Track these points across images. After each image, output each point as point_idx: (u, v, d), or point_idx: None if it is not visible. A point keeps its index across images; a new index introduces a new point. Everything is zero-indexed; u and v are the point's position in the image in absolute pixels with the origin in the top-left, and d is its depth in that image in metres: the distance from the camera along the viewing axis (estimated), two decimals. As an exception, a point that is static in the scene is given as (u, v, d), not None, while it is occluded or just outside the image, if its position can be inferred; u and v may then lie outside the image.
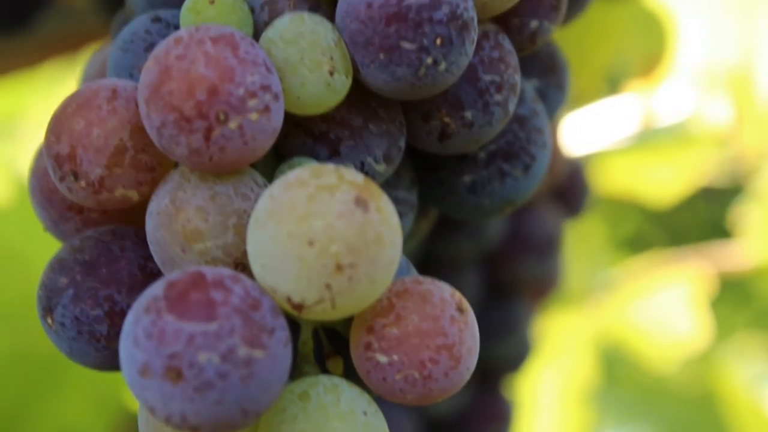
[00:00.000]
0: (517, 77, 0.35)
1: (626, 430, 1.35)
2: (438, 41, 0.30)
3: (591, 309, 1.96)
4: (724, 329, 1.72)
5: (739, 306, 1.87)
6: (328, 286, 0.27)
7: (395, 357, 0.29)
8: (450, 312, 0.30)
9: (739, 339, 1.63)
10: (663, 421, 1.33)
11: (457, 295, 0.31)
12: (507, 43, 0.35)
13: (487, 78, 0.34)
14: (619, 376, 1.55)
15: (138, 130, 0.30)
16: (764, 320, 1.71)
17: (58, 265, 0.32)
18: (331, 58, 0.30)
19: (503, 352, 0.61)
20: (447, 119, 0.34)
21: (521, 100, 0.37)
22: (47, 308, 0.31)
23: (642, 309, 1.87)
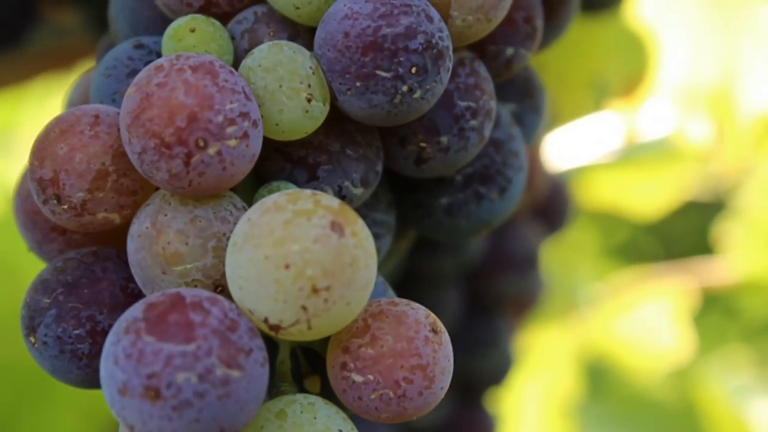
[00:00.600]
0: (493, 103, 0.36)
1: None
2: (413, 70, 0.31)
3: (575, 322, 1.97)
4: (706, 343, 1.73)
5: (721, 320, 1.89)
6: (304, 308, 0.28)
7: (370, 377, 0.30)
8: (424, 333, 0.31)
9: (722, 353, 1.65)
10: (646, 426, 1.34)
11: (432, 316, 0.32)
12: (483, 70, 0.36)
13: (463, 104, 0.35)
14: (602, 388, 1.56)
15: (120, 155, 0.31)
16: (746, 334, 1.73)
17: (41, 286, 0.33)
18: (309, 86, 0.31)
19: (485, 366, 0.61)
20: (423, 144, 0.35)
21: (497, 124, 0.38)
22: (30, 327, 0.32)
23: (625, 322, 1.88)
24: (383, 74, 0.30)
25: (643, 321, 1.80)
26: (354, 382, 0.31)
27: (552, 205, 0.66)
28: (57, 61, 0.69)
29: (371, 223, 0.31)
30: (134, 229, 0.31)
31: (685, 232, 3.07)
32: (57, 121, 0.31)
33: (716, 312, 1.91)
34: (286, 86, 0.31)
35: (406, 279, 0.52)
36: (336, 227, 0.28)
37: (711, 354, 1.63)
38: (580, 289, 2.19)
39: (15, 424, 0.95)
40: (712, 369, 1.54)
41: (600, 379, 1.61)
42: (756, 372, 1.51)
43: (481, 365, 0.63)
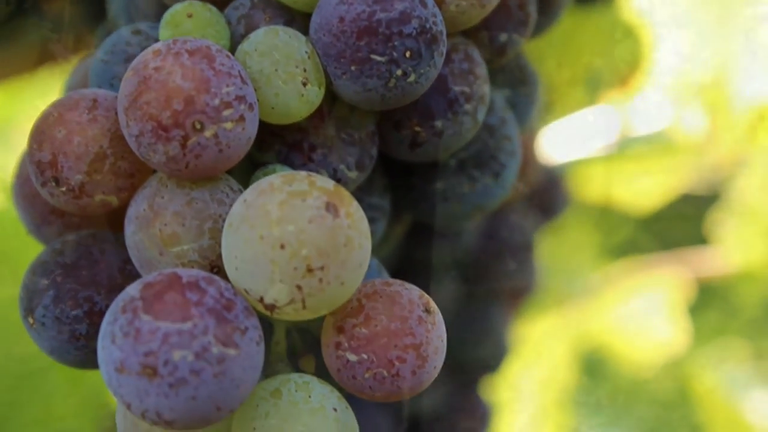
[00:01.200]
0: (486, 88, 0.36)
1: (608, 421, 1.37)
2: (407, 54, 0.31)
3: (571, 313, 1.97)
4: (701, 334, 1.74)
5: (717, 311, 1.90)
6: (299, 288, 0.28)
7: (364, 356, 0.31)
8: (418, 313, 0.32)
9: (717, 344, 1.65)
10: (641, 424, 1.34)
11: (425, 296, 0.33)
12: (476, 56, 0.37)
13: (457, 89, 0.35)
14: (597, 379, 1.56)
15: (117, 138, 0.31)
16: (741, 325, 1.73)
17: (40, 268, 0.33)
18: (305, 70, 0.32)
19: (480, 354, 0.62)
20: (418, 128, 0.35)
21: (491, 109, 0.38)
22: (28, 309, 0.32)
23: (621, 313, 1.89)
24: (378, 58, 0.31)
25: (639, 312, 1.80)
26: (348, 361, 0.31)
27: (546, 194, 0.67)
28: (55, 53, 0.69)
29: (366, 207, 0.31)
30: (132, 212, 0.32)
31: (680, 224, 3.07)
32: (56, 105, 0.32)
33: (711, 303, 1.92)
34: (282, 70, 0.31)
35: (402, 267, 0.52)
36: (331, 208, 0.29)
37: (706, 345, 1.63)
38: (576, 279, 2.19)
39: (14, 412, 0.96)
40: (708, 360, 1.55)
41: (596, 370, 1.61)
42: (751, 363, 1.51)
43: (477, 353, 0.64)
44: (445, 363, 0.33)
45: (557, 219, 0.77)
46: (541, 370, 1.64)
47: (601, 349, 1.71)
